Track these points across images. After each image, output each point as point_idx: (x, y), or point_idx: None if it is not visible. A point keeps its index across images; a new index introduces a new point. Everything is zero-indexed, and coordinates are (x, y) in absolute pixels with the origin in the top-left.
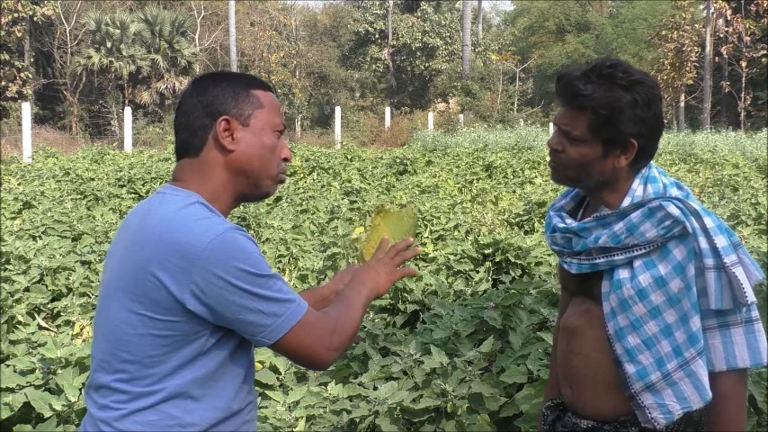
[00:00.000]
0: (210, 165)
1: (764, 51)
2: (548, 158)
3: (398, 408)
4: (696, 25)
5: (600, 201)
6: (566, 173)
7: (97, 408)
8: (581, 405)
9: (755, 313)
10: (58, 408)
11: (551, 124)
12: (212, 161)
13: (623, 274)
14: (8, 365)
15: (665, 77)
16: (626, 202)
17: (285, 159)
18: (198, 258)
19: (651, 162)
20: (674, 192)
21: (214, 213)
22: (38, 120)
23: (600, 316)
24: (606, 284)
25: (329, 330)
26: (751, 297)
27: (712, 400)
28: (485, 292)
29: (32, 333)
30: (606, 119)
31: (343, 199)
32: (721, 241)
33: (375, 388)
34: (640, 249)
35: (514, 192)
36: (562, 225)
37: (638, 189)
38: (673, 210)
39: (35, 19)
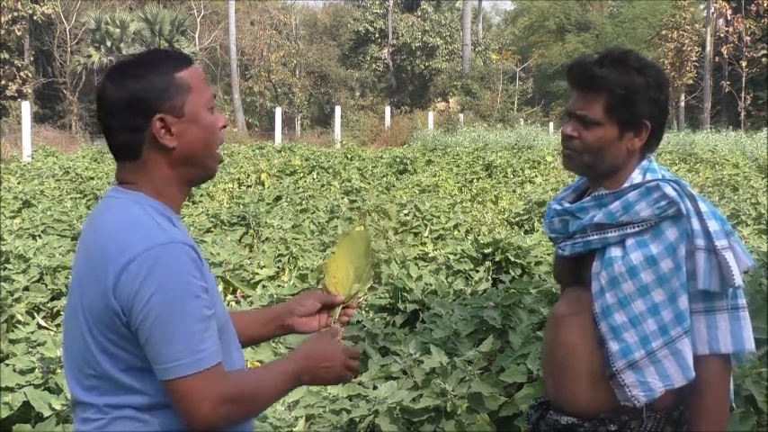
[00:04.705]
0: (153, 164)
1: (764, 51)
2: (559, 148)
3: (398, 407)
4: (696, 25)
5: (601, 187)
6: (581, 159)
7: (79, 422)
8: (561, 398)
9: (742, 301)
10: (58, 407)
11: (551, 123)
12: (154, 160)
13: (615, 252)
14: (8, 365)
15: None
16: (624, 186)
17: (222, 127)
18: (124, 269)
19: (651, 157)
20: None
21: (161, 217)
22: (37, 119)
23: (589, 301)
24: (597, 265)
25: (228, 396)
26: (738, 281)
27: (695, 387)
28: (485, 291)
29: (32, 332)
30: (623, 99)
31: (342, 198)
32: (714, 226)
33: (375, 387)
34: (634, 228)
35: (514, 191)
36: (560, 208)
37: (636, 178)
38: (669, 191)
39: (35, 18)
